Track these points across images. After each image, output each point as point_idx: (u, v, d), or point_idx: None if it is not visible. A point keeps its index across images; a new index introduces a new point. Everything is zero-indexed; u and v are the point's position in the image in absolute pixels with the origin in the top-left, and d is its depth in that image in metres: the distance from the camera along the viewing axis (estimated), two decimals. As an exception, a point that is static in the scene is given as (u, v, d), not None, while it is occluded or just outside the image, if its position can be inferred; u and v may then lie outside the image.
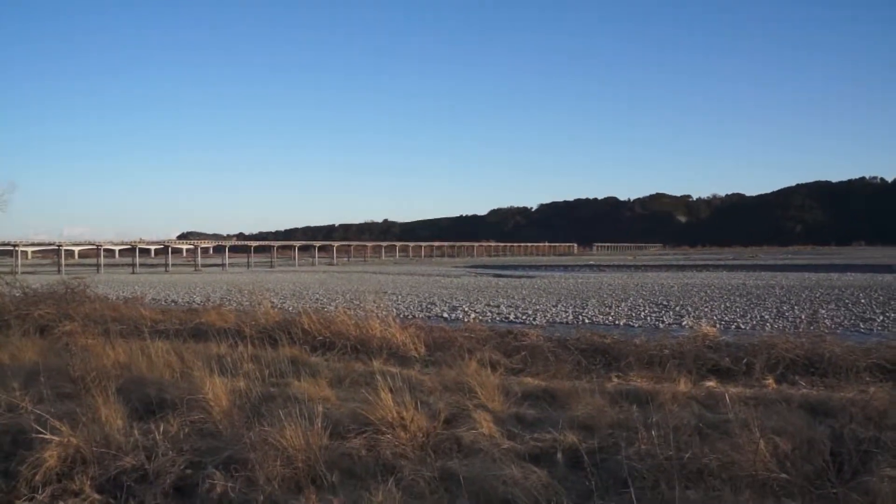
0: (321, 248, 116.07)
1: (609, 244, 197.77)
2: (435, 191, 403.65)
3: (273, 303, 19.23)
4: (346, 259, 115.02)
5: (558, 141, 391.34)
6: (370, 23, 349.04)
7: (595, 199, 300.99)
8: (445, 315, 19.82)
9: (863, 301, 21.98)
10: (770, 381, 7.03)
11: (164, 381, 6.33)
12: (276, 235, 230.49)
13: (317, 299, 26.20)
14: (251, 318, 11.57)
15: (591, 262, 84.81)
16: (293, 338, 9.87)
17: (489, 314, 20.02)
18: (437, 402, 5.56)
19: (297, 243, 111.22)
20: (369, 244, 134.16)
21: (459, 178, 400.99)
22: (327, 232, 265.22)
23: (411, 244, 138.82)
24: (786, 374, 7.42)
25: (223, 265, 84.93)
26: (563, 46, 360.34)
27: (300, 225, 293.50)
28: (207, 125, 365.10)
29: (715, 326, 13.94)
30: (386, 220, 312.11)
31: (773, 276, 41.61)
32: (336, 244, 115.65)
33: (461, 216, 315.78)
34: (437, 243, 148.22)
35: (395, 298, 26.42)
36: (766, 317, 17.70)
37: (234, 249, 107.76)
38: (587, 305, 22.27)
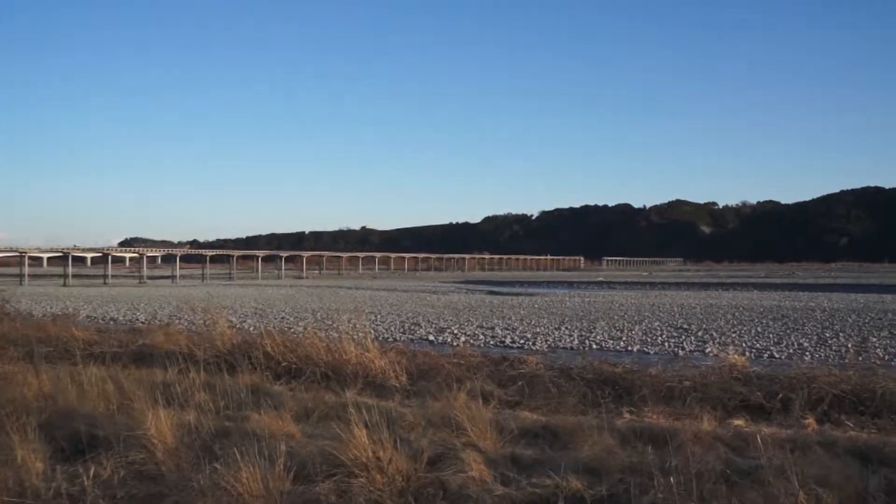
0: (288, 259, 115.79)
1: (621, 258, 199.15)
2: (420, 195, 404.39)
3: (231, 322, 19.06)
4: (317, 272, 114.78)
5: (563, 140, 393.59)
6: (350, 16, 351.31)
7: (605, 207, 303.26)
8: (431, 338, 19.79)
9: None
10: (810, 420, 6.98)
11: (97, 415, 6.23)
12: (237, 244, 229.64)
13: (282, 318, 26.10)
14: (205, 339, 11.48)
15: (600, 279, 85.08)
16: (254, 363, 9.80)
17: (482, 337, 19.99)
18: (419, 439, 5.52)
19: (261, 253, 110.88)
20: (344, 255, 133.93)
21: (449, 181, 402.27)
22: (296, 240, 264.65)
23: (393, 255, 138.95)
24: (829, 412, 7.37)
25: (173, 277, 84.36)
26: (567, 36, 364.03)
27: (264, 232, 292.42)
28: (155, 117, 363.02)
29: (744, 355, 13.95)
30: (364, 228, 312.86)
31: (813, 296, 41.86)
32: (306, 254, 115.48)
33: (450, 224, 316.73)
34: (422, 255, 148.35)
35: (373, 318, 26.36)
36: (806, 344, 17.80)
37: (186, 259, 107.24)
38: (595, 328, 22.31)
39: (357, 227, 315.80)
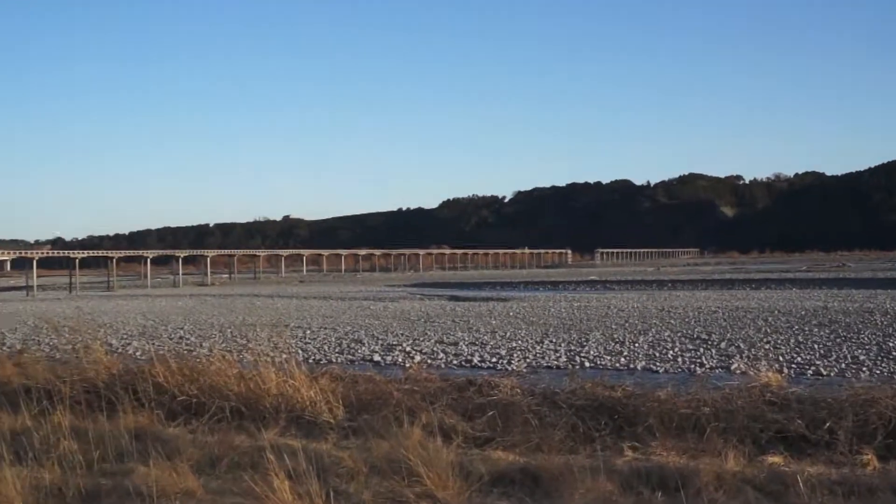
0: (188, 260, 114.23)
1: (619, 250, 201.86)
2: (361, 174, 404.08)
3: (111, 346, 18.67)
4: (226, 276, 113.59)
5: (542, 101, 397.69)
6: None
7: (598, 185, 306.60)
8: (377, 358, 19.82)
9: None
10: (869, 456, 6.98)
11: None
12: (116, 242, 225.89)
13: (180, 338, 25.83)
14: (74, 370, 11.24)
15: (593, 277, 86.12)
16: (141, 399, 9.63)
17: (442, 356, 20.04)
18: (360, 491, 5.51)
19: (150, 253, 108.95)
20: (262, 253, 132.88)
21: (397, 156, 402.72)
22: (197, 236, 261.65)
23: (326, 253, 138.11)
24: (894, 446, 7.43)
25: (28, 288, 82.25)
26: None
27: (154, 225, 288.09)
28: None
29: (781, 372, 14.16)
30: (288, 218, 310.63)
31: (871, 295, 42.79)
32: (211, 253, 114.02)
33: (400, 210, 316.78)
34: (364, 251, 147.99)
35: (301, 334, 26.23)
36: (863, 357, 18.29)
37: (46, 263, 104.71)
38: (588, 341, 22.55)
39: (278, 216, 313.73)
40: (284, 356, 10.62)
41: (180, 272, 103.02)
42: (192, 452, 7.05)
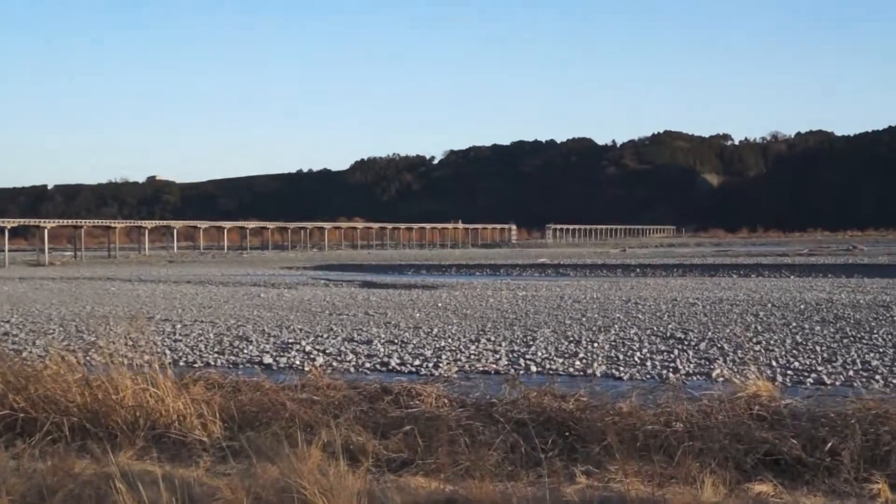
0: (17, 232, 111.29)
1: (576, 226, 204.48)
2: (249, 127, 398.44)
3: None
4: (70, 254, 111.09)
5: (482, 40, 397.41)
6: None
7: (551, 144, 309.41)
8: (267, 360, 19.68)
9: None
10: (880, 484, 7.09)
11: None
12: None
13: (4, 335, 25.21)
14: None
15: (544, 260, 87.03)
16: (-56, 414, 9.36)
17: (351, 357, 20.02)
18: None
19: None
20: (118, 225, 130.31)
21: (297, 105, 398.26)
22: (31, 199, 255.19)
23: (203, 225, 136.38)
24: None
25: None
26: None
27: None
28: None
29: (774, 380, 14.33)
30: (154, 179, 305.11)
31: (888, 285, 43.60)
32: (49, 224, 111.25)
33: (300, 173, 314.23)
34: (252, 223, 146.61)
35: (169, 330, 25.94)
36: (875, 363, 18.62)
37: None
38: (535, 340, 22.73)
39: (140, 177, 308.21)
40: (146, 357, 10.53)
41: (6, 248, 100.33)
42: (15, 484, 6.90)
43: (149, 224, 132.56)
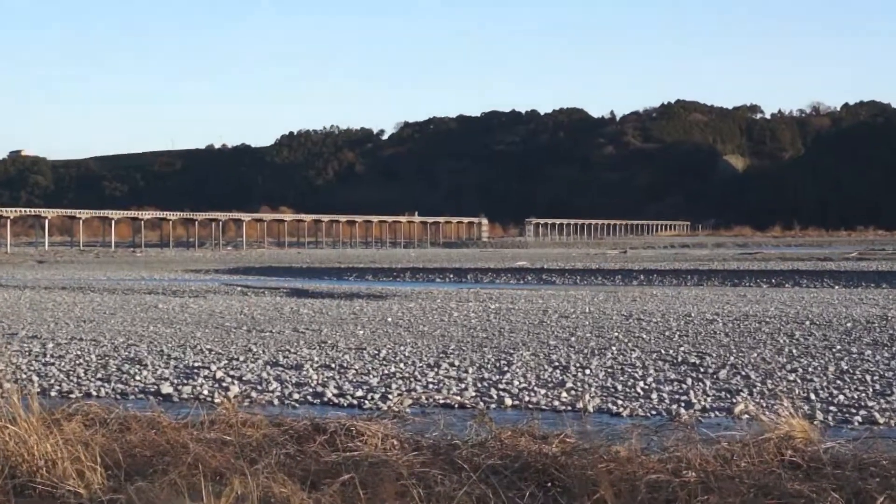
0: None
1: (564, 220, 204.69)
2: (140, 90, 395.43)
3: None
4: None
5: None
6: None
7: (533, 116, 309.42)
8: (167, 390, 19.57)
9: None
10: None
11: None
12: None
13: None
14: None
15: (523, 264, 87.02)
16: None
17: (276, 386, 19.97)
18: None
19: None
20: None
21: (204, 65, 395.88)
22: None
23: (84, 214, 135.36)
24: None
25: None
26: None
27: None
28: None
29: (812, 418, 14.42)
30: (19, 155, 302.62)
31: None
32: None
33: (210, 150, 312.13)
34: (149, 213, 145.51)
35: (37, 350, 25.76)
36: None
37: None
38: (511, 365, 22.79)
39: (1, 152, 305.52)
40: (6, 386, 10.38)
41: None
42: None
43: (10, 213, 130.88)
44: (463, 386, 20.01)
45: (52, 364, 23.27)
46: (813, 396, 18.49)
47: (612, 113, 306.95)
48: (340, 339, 28.11)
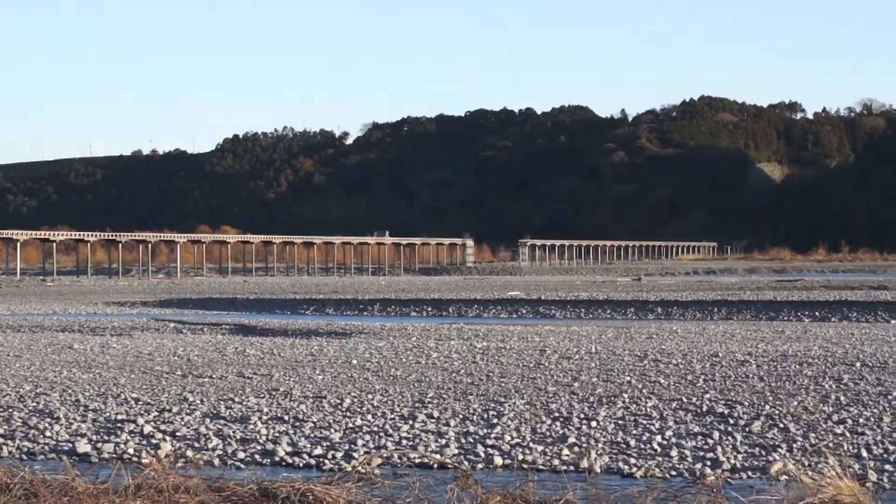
0: None
1: (565, 241, 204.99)
2: (55, 87, 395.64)
3: None
4: None
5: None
6: None
7: (529, 115, 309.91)
8: (84, 447, 19.52)
9: None
10: None
11: None
12: None
13: None
14: None
15: (516, 293, 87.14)
16: None
17: (216, 443, 19.93)
18: None
19: None
20: None
21: (133, 58, 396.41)
22: None
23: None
24: None
25: None
26: None
27: None
28: None
29: (864, 479, 14.51)
30: None
31: None
32: None
33: (137, 156, 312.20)
34: (62, 234, 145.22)
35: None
36: None
37: None
38: (501, 416, 22.78)
39: None
40: None
41: None
42: None
43: None
44: (443, 442, 20.00)
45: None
46: (864, 453, 18.51)
47: (622, 112, 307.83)
48: (295, 386, 28.07)
